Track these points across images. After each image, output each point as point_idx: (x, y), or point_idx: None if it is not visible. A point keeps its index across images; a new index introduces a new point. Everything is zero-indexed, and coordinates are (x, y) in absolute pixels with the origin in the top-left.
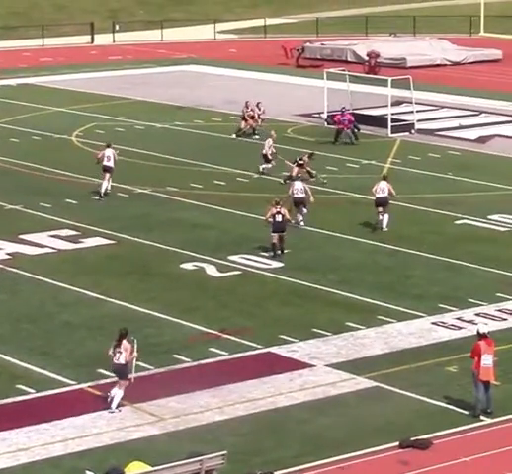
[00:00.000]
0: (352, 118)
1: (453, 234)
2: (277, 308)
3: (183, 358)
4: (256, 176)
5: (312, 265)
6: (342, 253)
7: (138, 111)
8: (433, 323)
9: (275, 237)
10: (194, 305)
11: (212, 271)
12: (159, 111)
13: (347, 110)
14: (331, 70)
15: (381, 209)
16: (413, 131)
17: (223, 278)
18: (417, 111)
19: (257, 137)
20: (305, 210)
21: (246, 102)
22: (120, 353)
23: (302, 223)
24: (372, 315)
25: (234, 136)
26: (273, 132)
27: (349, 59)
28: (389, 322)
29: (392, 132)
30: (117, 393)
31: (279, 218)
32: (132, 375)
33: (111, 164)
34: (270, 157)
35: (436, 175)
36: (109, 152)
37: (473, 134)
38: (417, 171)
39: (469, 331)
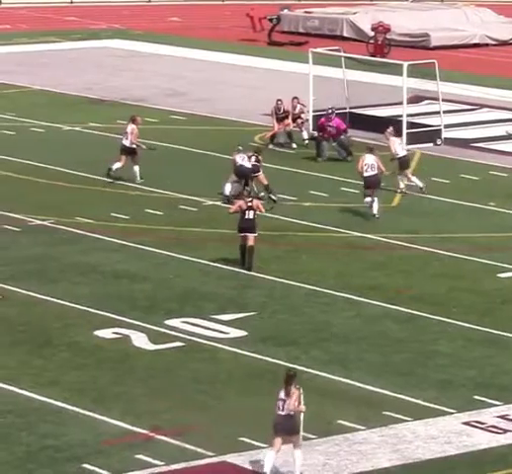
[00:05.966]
0: (343, 126)
1: (496, 292)
2: (236, 398)
3: (96, 470)
4: (208, 203)
5: (289, 335)
6: (333, 318)
7: (36, 105)
8: (465, 423)
9: (243, 238)
10: (113, 392)
11: (141, 341)
12: (66, 106)
13: (334, 111)
14: (319, 50)
15: (370, 192)
16: (439, 142)
17: (158, 353)
18: (445, 112)
19: (306, 142)
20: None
21: (277, 101)
22: (283, 401)
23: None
24: (375, 410)
25: (272, 146)
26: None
27: (345, 34)
28: (401, 420)
29: (409, 143)
30: (297, 457)
31: (250, 215)
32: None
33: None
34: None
35: (472, 205)
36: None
37: None
38: (444, 200)
39: None
